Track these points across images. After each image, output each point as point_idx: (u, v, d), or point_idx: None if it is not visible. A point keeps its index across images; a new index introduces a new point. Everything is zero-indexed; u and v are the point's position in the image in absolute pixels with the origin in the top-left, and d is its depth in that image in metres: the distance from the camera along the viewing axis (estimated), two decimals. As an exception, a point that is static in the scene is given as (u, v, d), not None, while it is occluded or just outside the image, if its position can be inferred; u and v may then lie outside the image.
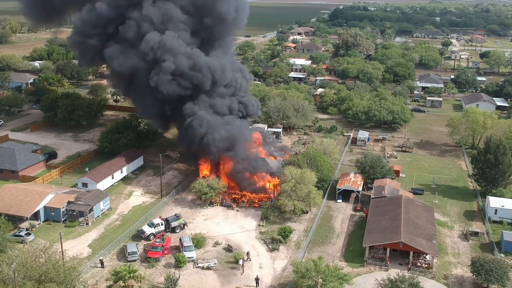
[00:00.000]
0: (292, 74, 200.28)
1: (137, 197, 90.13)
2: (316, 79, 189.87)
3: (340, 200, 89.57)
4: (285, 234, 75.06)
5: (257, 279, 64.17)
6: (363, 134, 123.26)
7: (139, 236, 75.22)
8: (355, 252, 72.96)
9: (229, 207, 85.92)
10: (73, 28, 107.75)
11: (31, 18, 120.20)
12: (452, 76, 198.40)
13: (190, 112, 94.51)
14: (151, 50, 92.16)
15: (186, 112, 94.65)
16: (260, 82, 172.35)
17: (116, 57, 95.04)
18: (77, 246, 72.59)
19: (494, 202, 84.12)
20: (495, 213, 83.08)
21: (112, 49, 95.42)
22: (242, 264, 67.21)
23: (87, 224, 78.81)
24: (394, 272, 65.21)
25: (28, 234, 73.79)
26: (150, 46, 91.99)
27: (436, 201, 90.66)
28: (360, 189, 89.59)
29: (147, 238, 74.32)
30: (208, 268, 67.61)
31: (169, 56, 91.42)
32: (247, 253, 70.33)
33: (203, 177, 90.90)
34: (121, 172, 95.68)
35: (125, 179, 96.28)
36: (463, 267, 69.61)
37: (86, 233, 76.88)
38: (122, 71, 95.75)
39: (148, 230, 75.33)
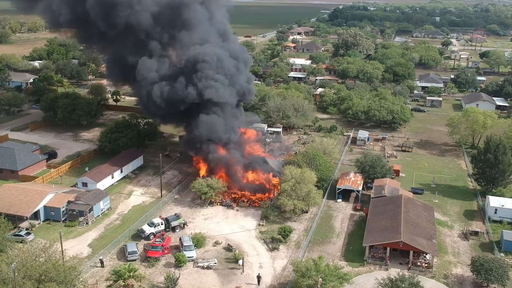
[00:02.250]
0: (292, 74, 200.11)
1: (137, 196, 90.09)
2: (316, 79, 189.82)
3: (340, 200, 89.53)
4: (285, 234, 75.06)
5: (258, 277, 64.31)
6: (363, 134, 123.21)
7: (139, 235, 75.23)
8: (355, 251, 72.95)
9: (229, 206, 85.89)
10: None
11: None
12: (452, 76, 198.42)
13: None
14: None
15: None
16: (260, 82, 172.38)
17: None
18: (77, 245, 72.57)
19: (494, 201, 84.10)
20: (495, 212, 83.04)
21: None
22: (242, 264, 67.26)
23: (87, 223, 78.79)
24: (394, 272, 65.24)
25: (28, 233, 73.81)
26: None
27: (436, 201, 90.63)
28: (360, 188, 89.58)
29: (147, 238, 74.32)
30: (208, 267, 67.62)
31: None
32: (235, 251, 70.00)
33: (203, 176, 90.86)
34: (121, 171, 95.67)
35: (125, 179, 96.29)
36: (463, 267, 69.61)
37: (86, 232, 76.86)
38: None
39: (148, 229, 75.33)
